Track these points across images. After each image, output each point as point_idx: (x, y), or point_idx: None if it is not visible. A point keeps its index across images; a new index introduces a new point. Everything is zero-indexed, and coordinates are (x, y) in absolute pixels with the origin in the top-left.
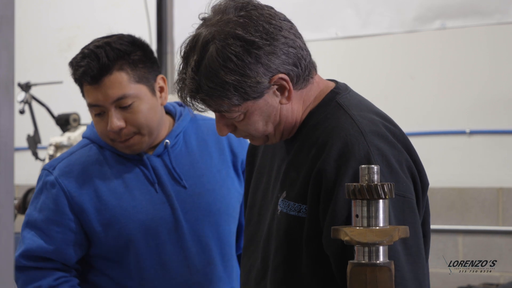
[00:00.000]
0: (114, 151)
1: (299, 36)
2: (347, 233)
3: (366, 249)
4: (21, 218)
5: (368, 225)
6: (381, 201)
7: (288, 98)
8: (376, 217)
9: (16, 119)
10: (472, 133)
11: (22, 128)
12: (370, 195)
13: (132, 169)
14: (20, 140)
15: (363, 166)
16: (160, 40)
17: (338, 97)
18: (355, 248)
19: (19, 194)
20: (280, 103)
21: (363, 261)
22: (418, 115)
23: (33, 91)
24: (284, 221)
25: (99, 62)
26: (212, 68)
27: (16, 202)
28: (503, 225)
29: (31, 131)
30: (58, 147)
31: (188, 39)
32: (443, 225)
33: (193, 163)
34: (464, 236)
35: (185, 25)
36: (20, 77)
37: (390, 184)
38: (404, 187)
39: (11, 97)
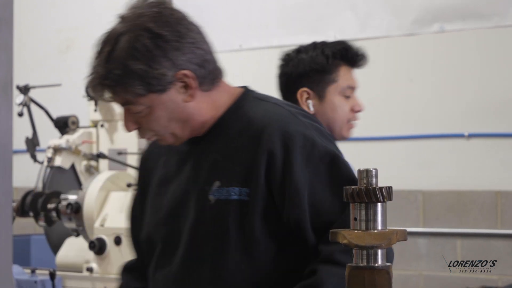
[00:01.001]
0: None
1: (206, 42)
2: (346, 236)
3: (365, 252)
4: (19, 221)
5: (367, 228)
6: (379, 204)
7: (191, 96)
8: (375, 220)
9: (15, 122)
10: (471, 136)
11: (20, 130)
12: (369, 198)
13: None
14: (19, 143)
15: (361, 169)
16: None
17: (253, 93)
18: (354, 251)
19: (18, 196)
20: (184, 101)
21: (362, 264)
22: (416, 118)
23: (32, 93)
24: (224, 207)
25: None
26: (121, 56)
27: (14, 204)
28: (501, 228)
29: (29, 134)
30: (56, 149)
31: (103, 35)
32: (442, 228)
33: None
34: (462, 239)
35: None
36: (19, 79)
37: (389, 188)
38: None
39: (9, 100)
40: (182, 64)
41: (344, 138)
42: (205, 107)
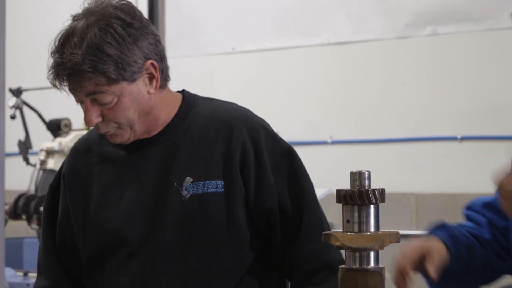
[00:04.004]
0: None
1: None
2: (338, 238)
3: (357, 254)
4: (12, 224)
5: (359, 230)
6: (372, 206)
7: (156, 88)
8: (367, 222)
9: (7, 125)
10: (464, 139)
11: (13, 133)
12: (361, 200)
13: None
14: (11, 145)
15: (354, 171)
16: None
17: (198, 96)
18: (346, 253)
19: (10, 199)
20: (149, 92)
21: (354, 266)
22: (409, 121)
23: (24, 96)
24: (202, 201)
25: None
26: (94, 43)
27: (7, 207)
28: None
29: (22, 137)
30: (49, 152)
31: (61, 33)
32: None
33: None
34: None
35: (177, 31)
36: (11, 82)
37: (381, 190)
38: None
39: (2, 102)
40: (148, 53)
41: None
42: (161, 104)
